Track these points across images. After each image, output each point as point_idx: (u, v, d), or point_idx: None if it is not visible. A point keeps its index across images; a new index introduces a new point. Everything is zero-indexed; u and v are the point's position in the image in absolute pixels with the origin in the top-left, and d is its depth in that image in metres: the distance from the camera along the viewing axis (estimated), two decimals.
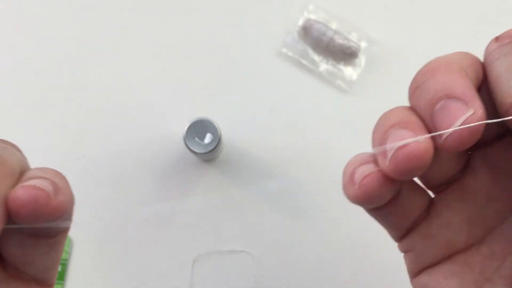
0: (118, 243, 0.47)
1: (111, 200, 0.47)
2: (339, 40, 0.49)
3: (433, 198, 0.21)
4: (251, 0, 0.51)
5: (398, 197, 0.20)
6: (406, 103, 0.19)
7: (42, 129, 0.48)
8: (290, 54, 0.50)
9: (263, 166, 0.48)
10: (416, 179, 0.21)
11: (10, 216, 0.17)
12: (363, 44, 0.50)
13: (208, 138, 0.43)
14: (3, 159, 0.17)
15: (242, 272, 0.46)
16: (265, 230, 0.47)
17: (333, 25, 0.50)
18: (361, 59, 0.50)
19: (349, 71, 0.50)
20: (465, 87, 0.17)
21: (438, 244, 0.21)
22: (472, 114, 0.16)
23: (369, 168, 0.18)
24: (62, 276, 0.45)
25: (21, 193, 0.16)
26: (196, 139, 0.43)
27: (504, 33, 0.18)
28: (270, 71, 0.50)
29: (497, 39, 0.18)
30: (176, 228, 0.47)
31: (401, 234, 0.22)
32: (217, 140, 0.43)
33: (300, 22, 0.50)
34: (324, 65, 0.50)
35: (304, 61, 0.50)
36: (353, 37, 0.50)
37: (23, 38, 0.50)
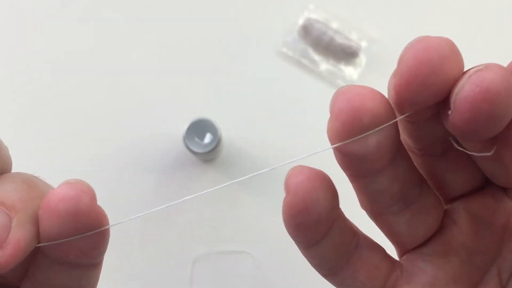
0: (118, 243, 0.47)
1: (111, 200, 0.47)
2: (339, 40, 0.49)
3: (409, 255, 0.20)
4: (251, 0, 0.51)
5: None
6: None
7: (41, 129, 0.48)
8: (291, 53, 0.50)
9: (263, 166, 0.48)
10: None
11: (44, 230, 0.16)
12: (363, 44, 0.50)
13: (208, 138, 0.43)
14: (35, 183, 0.17)
15: (242, 273, 0.46)
16: (265, 230, 0.47)
17: (334, 25, 0.50)
18: (362, 59, 0.50)
19: (349, 71, 0.50)
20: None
21: None
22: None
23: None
24: None
25: (64, 188, 0.15)
26: (196, 139, 0.43)
27: None
28: (270, 71, 0.50)
29: None
30: (176, 228, 0.47)
31: None
32: (217, 140, 0.43)
33: (300, 21, 0.50)
34: (325, 65, 0.49)
35: (304, 61, 0.50)
36: (354, 36, 0.50)
37: (24, 38, 0.50)
